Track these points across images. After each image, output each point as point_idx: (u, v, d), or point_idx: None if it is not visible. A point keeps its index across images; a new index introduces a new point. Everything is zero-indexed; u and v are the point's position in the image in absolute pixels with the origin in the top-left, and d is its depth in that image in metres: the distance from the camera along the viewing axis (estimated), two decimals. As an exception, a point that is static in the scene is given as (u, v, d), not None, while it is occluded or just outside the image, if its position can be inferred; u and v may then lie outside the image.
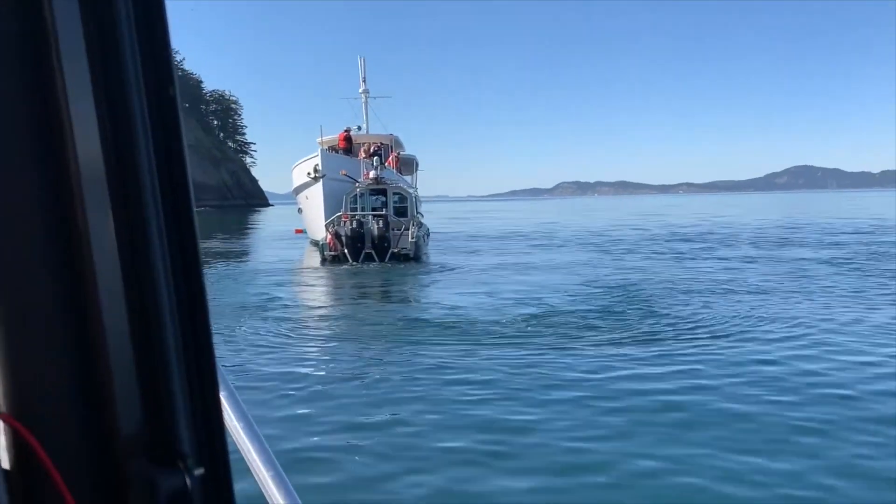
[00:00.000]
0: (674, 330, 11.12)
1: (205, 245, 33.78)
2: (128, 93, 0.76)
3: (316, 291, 17.75)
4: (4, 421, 0.76)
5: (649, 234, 37.94)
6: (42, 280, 0.75)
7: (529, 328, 11.52)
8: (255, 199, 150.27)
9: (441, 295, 15.80)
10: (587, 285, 16.70)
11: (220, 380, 1.06)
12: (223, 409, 1.12)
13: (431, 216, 55.67)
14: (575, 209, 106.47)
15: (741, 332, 10.96)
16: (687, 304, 13.52)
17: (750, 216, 60.91)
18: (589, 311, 12.99)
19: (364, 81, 39.37)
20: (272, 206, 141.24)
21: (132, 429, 0.79)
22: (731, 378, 8.32)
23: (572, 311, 12.93)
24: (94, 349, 0.77)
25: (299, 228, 30.70)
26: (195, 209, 0.86)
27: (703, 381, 8.18)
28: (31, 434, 0.75)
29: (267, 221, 66.88)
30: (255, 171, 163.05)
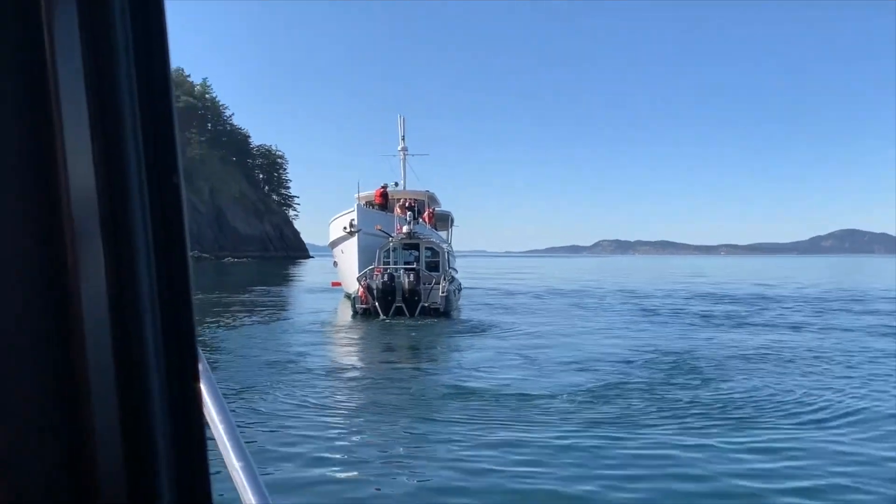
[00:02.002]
0: (742, 406, 10.27)
1: (243, 296, 34.48)
2: (122, 126, 0.77)
3: (346, 348, 17.32)
4: None
5: (693, 295, 37.06)
6: (23, 292, 0.75)
7: (579, 400, 10.52)
8: (297, 251, 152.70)
9: (474, 358, 15.03)
10: (635, 350, 15.88)
11: (207, 406, 1.09)
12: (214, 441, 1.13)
13: (467, 271, 55.87)
14: (614, 268, 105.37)
15: (817, 409, 10.12)
16: (746, 375, 12.67)
17: (799, 279, 59.41)
18: (642, 381, 12.13)
19: (403, 140, 40.22)
20: (312, 257, 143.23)
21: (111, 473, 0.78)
22: (812, 461, 7.64)
23: (623, 383, 11.97)
24: (75, 371, 0.76)
25: (336, 281, 31.07)
26: (187, 219, 0.87)
27: (781, 465, 7.51)
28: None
29: (306, 273, 67.73)
30: (297, 224, 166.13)
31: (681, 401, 10.61)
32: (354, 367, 14.04)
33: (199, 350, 0.88)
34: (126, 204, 0.79)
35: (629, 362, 14.24)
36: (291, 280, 56.58)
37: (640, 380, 12.32)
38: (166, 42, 0.81)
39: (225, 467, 1.15)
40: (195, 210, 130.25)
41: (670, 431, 8.89)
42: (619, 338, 18.59)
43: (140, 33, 0.79)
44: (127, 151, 0.78)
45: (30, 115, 0.74)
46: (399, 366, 14.25)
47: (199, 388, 0.85)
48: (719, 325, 22.05)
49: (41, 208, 0.75)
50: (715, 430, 8.92)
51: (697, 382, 12.09)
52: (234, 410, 6.45)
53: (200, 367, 0.91)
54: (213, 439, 1.13)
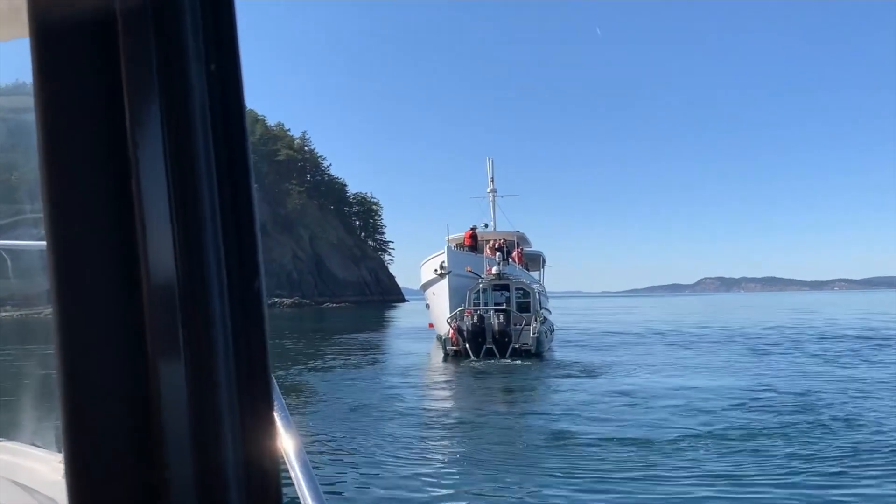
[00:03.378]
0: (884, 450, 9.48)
1: (341, 338, 35.30)
2: (195, 139, 0.78)
3: (434, 392, 17.02)
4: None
5: (807, 333, 34.73)
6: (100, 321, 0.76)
7: (701, 449, 9.67)
8: (392, 294, 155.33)
9: (571, 400, 14.35)
10: (750, 391, 14.92)
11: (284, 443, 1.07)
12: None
13: (562, 312, 55.00)
14: (719, 305, 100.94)
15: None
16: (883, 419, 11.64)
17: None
18: (762, 425, 11.27)
19: (492, 181, 40.48)
20: (407, 301, 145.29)
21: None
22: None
23: (742, 426, 11.14)
24: (149, 403, 0.76)
25: (432, 323, 31.35)
26: (259, 233, 0.84)
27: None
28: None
29: (401, 316, 68.67)
30: (392, 268, 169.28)
31: (814, 444, 9.85)
32: (442, 412, 13.71)
33: (273, 379, 0.87)
34: (203, 274, 0.77)
35: (741, 404, 13.39)
36: (387, 323, 57.49)
37: (761, 423, 11.46)
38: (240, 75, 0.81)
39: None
40: (296, 258, 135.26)
41: (811, 480, 8.16)
42: (723, 378, 17.66)
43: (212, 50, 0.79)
44: (198, 156, 0.78)
45: (105, 119, 0.75)
46: (491, 410, 13.79)
47: (273, 406, 0.84)
48: (831, 363, 20.57)
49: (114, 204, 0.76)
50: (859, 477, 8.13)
51: (821, 424, 11.21)
52: (309, 452, 6.45)
53: (287, 428, 0.96)
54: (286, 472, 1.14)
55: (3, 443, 2.85)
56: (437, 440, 10.89)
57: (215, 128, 0.79)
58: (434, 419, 12.79)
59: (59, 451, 2.62)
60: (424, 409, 14.08)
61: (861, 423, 11.29)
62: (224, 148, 0.80)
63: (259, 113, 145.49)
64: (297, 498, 1.14)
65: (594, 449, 9.78)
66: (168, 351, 0.76)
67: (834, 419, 11.62)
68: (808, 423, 11.40)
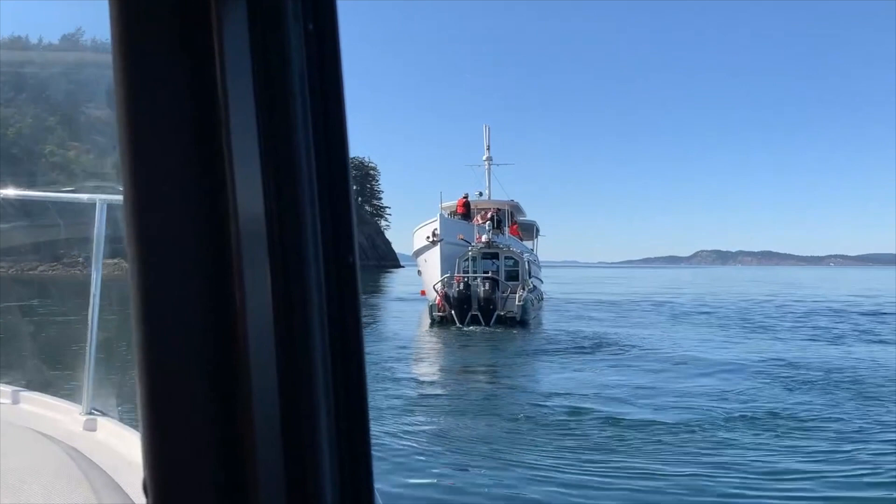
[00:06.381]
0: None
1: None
2: (297, 157, 0.75)
3: (418, 356, 17.28)
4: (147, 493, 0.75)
5: (805, 308, 34.67)
6: (193, 339, 0.74)
7: (685, 431, 9.31)
8: (388, 260, 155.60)
9: (548, 372, 14.33)
10: (747, 367, 14.85)
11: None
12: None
13: (555, 281, 55.19)
14: (715, 278, 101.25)
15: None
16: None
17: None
18: (749, 399, 11.29)
19: (488, 149, 40.48)
20: (403, 267, 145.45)
21: None
22: None
23: (725, 405, 10.91)
24: (241, 420, 0.74)
25: (424, 290, 31.62)
26: (358, 266, 0.84)
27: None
28: None
29: (396, 282, 68.88)
30: (388, 234, 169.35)
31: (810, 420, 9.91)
32: (420, 377, 13.90)
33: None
34: (297, 218, 0.76)
35: (735, 380, 13.40)
36: (380, 289, 57.73)
37: (748, 398, 11.54)
38: (341, 78, 0.79)
39: None
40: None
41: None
42: (716, 352, 17.76)
43: (315, 64, 0.77)
44: (300, 168, 0.76)
45: (200, 128, 0.73)
46: (467, 377, 13.93)
47: (366, 406, 0.82)
48: (832, 340, 20.65)
49: (211, 224, 0.73)
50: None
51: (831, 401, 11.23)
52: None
53: None
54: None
55: (24, 393, 2.87)
56: (410, 407, 10.96)
57: (314, 101, 0.76)
58: (412, 385, 12.93)
59: (80, 403, 2.65)
60: (404, 375, 14.14)
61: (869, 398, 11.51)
62: (322, 130, 0.78)
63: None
64: None
65: (571, 421, 9.92)
66: (261, 378, 0.74)
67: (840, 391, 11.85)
68: (797, 396, 11.66)
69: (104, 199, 2.67)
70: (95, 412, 2.65)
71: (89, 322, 2.72)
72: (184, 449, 0.74)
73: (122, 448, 2.31)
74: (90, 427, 2.56)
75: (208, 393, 0.73)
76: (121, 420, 2.59)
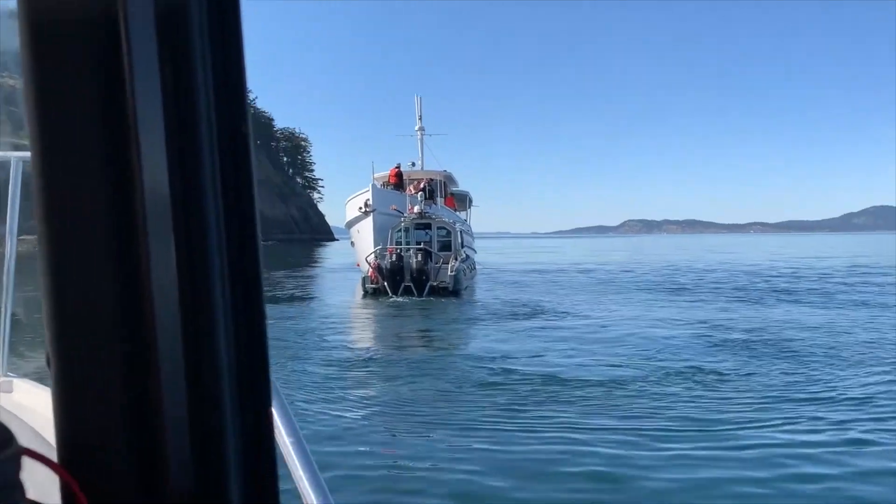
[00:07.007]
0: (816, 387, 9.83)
1: (265, 276, 34.79)
2: (198, 128, 0.77)
3: (353, 328, 17.42)
4: (55, 471, 0.76)
5: (725, 272, 36.28)
6: (100, 310, 0.76)
7: (615, 387, 9.69)
8: (321, 233, 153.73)
9: (477, 339, 14.54)
10: (677, 328, 15.46)
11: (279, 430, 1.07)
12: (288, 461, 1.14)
13: (489, 251, 55.86)
14: (642, 246, 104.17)
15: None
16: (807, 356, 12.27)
17: (839, 256, 57.96)
18: (669, 361, 11.50)
19: (420, 119, 40.20)
20: (337, 240, 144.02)
21: (182, 484, 0.78)
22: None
23: (648, 364, 11.28)
24: (149, 399, 0.76)
25: (359, 262, 31.46)
26: (260, 241, 0.86)
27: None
28: (76, 483, 0.75)
29: (330, 255, 68.26)
30: (321, 207, 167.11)
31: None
32: (355, 348, 13.95)
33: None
34: (200, 201, 0.78)
35: (661, 341, 13.81)
36: (314, 261, 57.16)
37: (671, 354, 12.06)
38: (241, 45, 0.81)
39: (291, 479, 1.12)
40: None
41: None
42: (635, 315, 18.38)
43: (217, 41, 0.79)
44: (202, 154, 0.78)
45: (106, 112, 0.75)
46: (397, 347, 14.00)
47: (271, 398, 0.84)
48: (753, 303, 21.52)
49: (116, 205, 0.75)
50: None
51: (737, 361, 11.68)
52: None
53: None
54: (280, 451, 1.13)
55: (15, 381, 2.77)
56: (343, 377, 10.92)
57: (216, 82, 0.78)
58: (344, 356, 12.89)
59: None
60: (339, 345, 14.12)
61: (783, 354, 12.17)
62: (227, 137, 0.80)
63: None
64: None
65: (503, 381, 10.20)
66: (168, 341, 0.76)
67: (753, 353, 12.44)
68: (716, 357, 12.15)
69: (19, 156, 2.53)
70: (11, 375, 2.63)
71: (4, 286, 2.65)
72: (93, 411, 0.76)
73: (41, 408, 2.29)
74: (6, 389, 2.55)
75: (117, 357, 0.76)
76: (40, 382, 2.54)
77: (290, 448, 1.15)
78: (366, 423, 8.30)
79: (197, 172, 0.78)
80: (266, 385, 0.84)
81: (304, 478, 1.13)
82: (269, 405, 0.85)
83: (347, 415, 8.60)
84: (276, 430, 1.10)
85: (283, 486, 0.87)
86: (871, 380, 10.15)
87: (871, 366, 11.14)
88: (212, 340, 0.79)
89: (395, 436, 7.83)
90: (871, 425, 7.92)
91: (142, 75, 0.74)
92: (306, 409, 8.73)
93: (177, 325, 0.77)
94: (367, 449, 7.33)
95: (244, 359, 0.81)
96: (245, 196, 0.82)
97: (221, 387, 0.79)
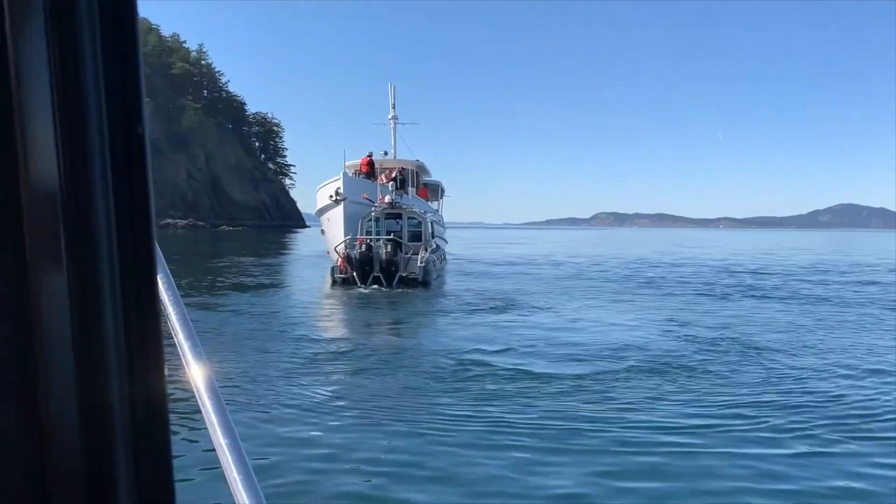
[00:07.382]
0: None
1: (235, 262, 34.57)
2: (89, 130, 0.75)
3: (321, 318, 17.31)
4: None
5: (693, 266, 36.83)
6: None
7: (584, 379, 9.83)
8: (293, 220, 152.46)
9: (446, 330, 14.62)
10: (646, 322, 15.73)
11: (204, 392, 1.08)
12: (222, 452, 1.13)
13: (461, 242, 55.80)
14: (613, 239, 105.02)
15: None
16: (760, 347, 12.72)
17: (801, 252, 59.33)
18: (643, 357, 11.63)
19: (393, 108, 39.83)
20: (309, 227, 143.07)
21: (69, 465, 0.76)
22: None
23: (606, 359, 11.35)
24: (37, 404, 0.75)
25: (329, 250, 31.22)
26: (157, 250, 0.84)
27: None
28: None
29: (301, 242, 67.72)
30: (293, 193, 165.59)
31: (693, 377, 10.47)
32: (322, 338, 13.83)
33: (195, 344, 0.88)
34: (89, 191, 0.76)
35: (611, 336, 14.06)
36: (284, 248, 56.64)
37: (639, 348, 12.24)
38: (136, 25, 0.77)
39: (213, 448, 1.14)
40: (191, 178, 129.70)
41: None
42: (604, 308, 18.53)
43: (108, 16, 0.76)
44: (91, 146, 0.76)
45: None
46: (366, 337, 14.02)
47: (164, 385, 0.82)
48: (719, 298, 21.80)
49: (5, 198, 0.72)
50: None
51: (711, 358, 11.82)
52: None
53: (197, 360, 1.06)
54: (204, 423, 1.16)
55: None
56: (306, 370, 10.82)
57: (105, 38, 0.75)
58: (307, 347, 12.75)
59: None
60: (302, 337, 13.83)
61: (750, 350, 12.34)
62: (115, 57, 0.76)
63: (153, 22, 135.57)
64: (207, 429, 1.15)
65: (470, 373, 10.23)
66: (50, 262, 0.74)
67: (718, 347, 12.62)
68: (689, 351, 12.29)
69: None
70: None
71: None
72: None
73: None
74: None
75: (3, 357, 0.74)
76: None
77: (225, 449, 1.14)
78: (329, 416, 8.20)
79: (87, 175, 0.75)
80: (160, 385, 0.81)
81: (237, 479, 1.12)
82: (166, 410, 0.82)
83: (309, 410, 8.49)
84: (211, 431, 1.15)
85: (218, 487, 0.81)
86: (838, 374, 10.35)
87: (837, 359, 11.33)
88: (102, 342, 0.77)
89: (358, 433, 7.69)
90: (835, 421, 8.08)
91: (29, 76, 0.72)
92: (265, 401, 8.64)
93: (66, 326, 0.75)
94: (330, 452, 7.19)
95: (137, 358, 0.79)
96: (139, 198, 0.79)
97: (111, 390, 0.78)
